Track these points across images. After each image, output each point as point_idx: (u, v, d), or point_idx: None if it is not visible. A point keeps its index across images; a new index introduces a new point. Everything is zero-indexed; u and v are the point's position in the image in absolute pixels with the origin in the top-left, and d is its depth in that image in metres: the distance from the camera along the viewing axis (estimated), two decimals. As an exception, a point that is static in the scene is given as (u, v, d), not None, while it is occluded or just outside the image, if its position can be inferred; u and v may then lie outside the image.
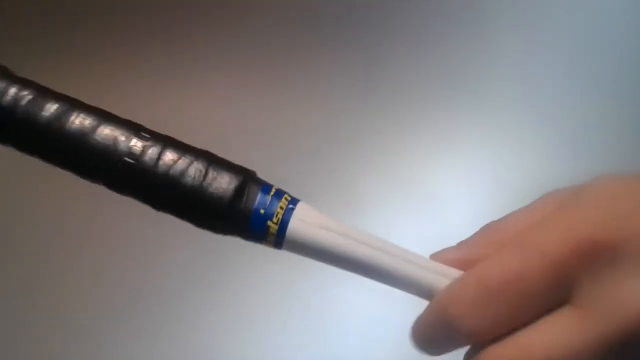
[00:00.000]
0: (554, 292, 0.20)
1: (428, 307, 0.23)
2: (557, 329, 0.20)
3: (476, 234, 0.24)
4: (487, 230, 0.24)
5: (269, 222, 0.29)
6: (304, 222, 0.29)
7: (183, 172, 0.28)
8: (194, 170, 0.28)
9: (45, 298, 0.78)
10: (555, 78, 0.94)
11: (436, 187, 0.85)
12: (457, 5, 1.02)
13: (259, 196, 0.28)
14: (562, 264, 0.20)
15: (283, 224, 0.29)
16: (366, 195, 0.85)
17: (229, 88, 0.94)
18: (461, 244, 0.24)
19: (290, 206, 0.29)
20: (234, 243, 0.86)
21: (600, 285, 0.19)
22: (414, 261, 0.26)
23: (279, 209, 0.28)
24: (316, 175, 0.83)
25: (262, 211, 0.29)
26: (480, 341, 0.21)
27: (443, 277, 0.24)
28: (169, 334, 0.76)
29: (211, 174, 0.28)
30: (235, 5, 0.99)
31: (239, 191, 0.28)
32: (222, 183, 0.28)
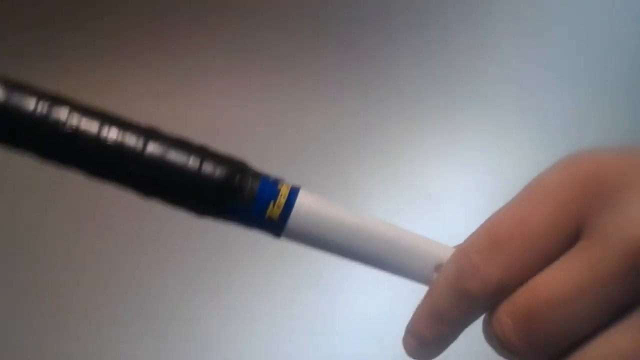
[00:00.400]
0: (564, 230, 0.20)
1: (438, 276, 0.23)
2: (567, 267, 0.20)
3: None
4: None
5: (270, 208, 0.28)
6: (305, 210, 0.28)
7: (180, 159, 0.28)
8: (192, 157, 0.28)
9: (50, 299, 0.78)
10: (555, 79, 0.94)
11: (436, 188, 0.85)
12: (458, 8, 1.02)
13: (261, 181, 0.28)
14: (567, 200, 0.20)
15: (285, 211, 0.28)
16: (367, 196, 0.85)
17: (230, 90, 0.94)
18: None
19: (292, 192, 0.28)
20: (237, 246, 0.86)
21: (605, 217, 0.19)
22: (420, 251, 0.25)
23: (280, 197, 0.28)
24: (316, 176, 0.83)
25: (263, 196, 0.28)
26: (496, 293, 0.21)
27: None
28: (174, 336, 0.76)
29: (210, 161, 0.28)
30: (236, 7, 1.00)
31: (241, 176, 0.28)
32: (220, 169, 0.28)
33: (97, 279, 0.79)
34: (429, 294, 0.23)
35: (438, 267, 0.24)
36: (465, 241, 0.22)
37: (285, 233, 0.28)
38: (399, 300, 0.81)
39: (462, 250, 0.22)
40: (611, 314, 0.20)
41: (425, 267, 0.25)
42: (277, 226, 0.28)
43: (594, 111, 0.91)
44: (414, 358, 0.24)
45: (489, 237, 0.22)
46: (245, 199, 0.27)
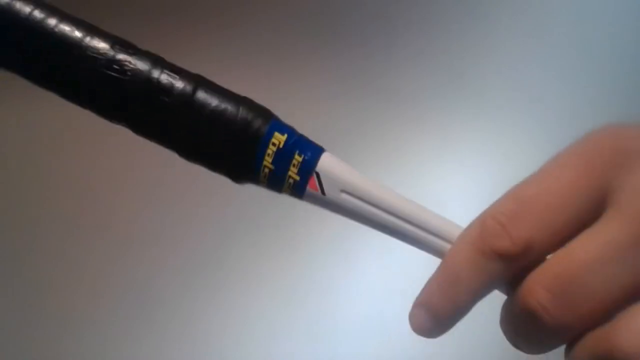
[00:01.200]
0: (593, 195, 0.20)
1: (461, 233, 0.22)
2: (594, 232, 0.19)
3: None
4: None
5: (286, 181, 0.27)
6: (328, 174, 0.27)
7: (221, 111, 0.27)
8: (229, 109, 0.27)
9: (50, 299, 0.78)
10: (553, 80, 0.94)
11: (435, 188, 0.85)
12: (457, 9, 1.02)
13: (280, 149, 0.27)
14: (595, 164, 0.20)
15: (301, 184, 0.27)
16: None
17: (231, 88, 0.94)
18: None
19: (309, 162, 0.27)
20: (237, 246, 0.86)
21: (633, 181, 0.20)
22: (440, 231, 0.26)
23: (292, 167, 0.27)
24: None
25: (287, 154, 0.27)
26: (523, 255, 0.20)
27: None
28: (174, 336, 0.76)
29: (241, 117, 0.27)
30: (236, 7, 1.00)
31: (262, 146, 0.26)
32: (256, 122, 0.27)
33: (97, 279, 0.79)
34: (447, 258, 0.22)
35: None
36: (489, 207, 0.22)
37: (306, 198, 0.27)
38: (399, 300, 0.81)
39: (488, 212, 0.21)
40: None
41: (438, 251, 0.25)
42: (296, 190, 0.27)
43: (592, 111, 0.91)
44: (421, 334, 0.23)
45: (516, 200, 0.21)
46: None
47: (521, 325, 0.21)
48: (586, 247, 0.20)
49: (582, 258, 0.19)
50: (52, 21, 0.26)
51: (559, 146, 0.89)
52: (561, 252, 0.20)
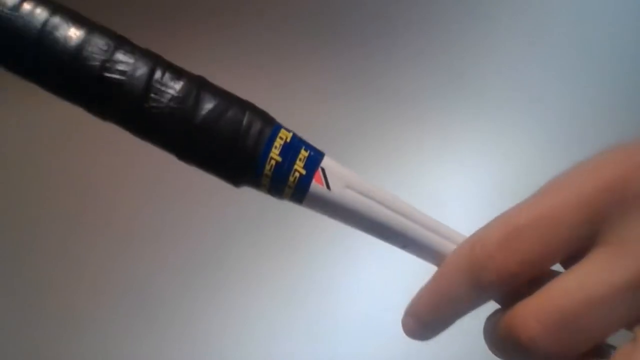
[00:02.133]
0: (583, 230, 0.20)
1: (450, 255, 0.22)
2: (591, 270, 0.19)
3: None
4: None
5: (292, 174, 0.26)
6: (333, 170, 0.27)
7: (225, 111, 0.26)
8: (234, 109, 0.26)
9: (50, 299, 0.78)
10: (553, 80, 0.94)
11: (434, 189, 0.85)
12: (457, 9, 1.02)
13: (288, 143, 0.27)
14: (591, 202, 0.20)
15: (306, 178, 0.26)
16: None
17: (232, 88, 0.94)
18: None
19: (315, 157, 0.26)
20: (237, 247, 0.86)
21: (630, 223, 0.19)
22: (440, 231, 0.25)
23: (299, 160, 0.26)
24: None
25: (286, 159, 0.26)
26: (507, 285, 0.20)
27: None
28: (174, 336, 0.76)
29: (247, 118, 0.26)
30: (238, 7, 1.00)
31: (270, 137, 0.26)
32: (256, 129, 0.26)
33: (97, 277, 0.79)
34: (436, 277, 0.23)
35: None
36: (481, 229, 0.22)
37: (306, 203, 0.27)
38: (399, 300, 0.81)
39: (477, 238, 0.21)
40: (638, 317, 0.20)
41: (441, 248, 0.25)
42: (296, 195, 0.26)
43: (592, 111, 0.91)
44: (412, 338, 0.24)
45: (507, 227, 0.21)
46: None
47: (506, 349, 0.21)
48: (582, 284, 0.20)
49: (577, 296, 0.19)
50: (43, 13, 0.25)
51: (559, 146, 0.89)
52: (555, 285, 0.20)
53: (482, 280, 0.20)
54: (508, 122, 0.91)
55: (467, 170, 0.87)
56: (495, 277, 0.20)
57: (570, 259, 0.21)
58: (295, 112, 0.92)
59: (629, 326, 0.20)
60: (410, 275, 0.75)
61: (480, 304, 0.22)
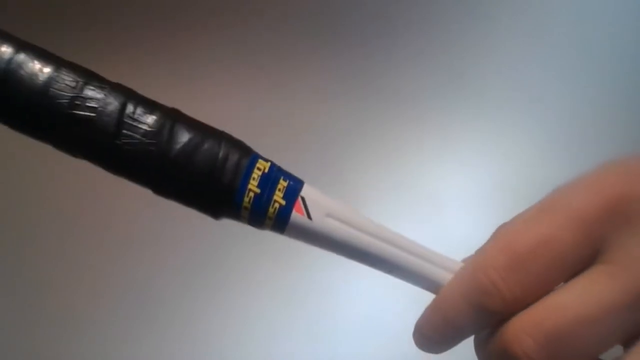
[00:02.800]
0: (585, 250, 0.20)
1: (452, 281, 0.22)
2: (588, 288, 0.20)
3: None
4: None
5: (271, 205, 0.26)
6: (313, 198, 0.26)
7: (200, 143, 0.25)
8: (210, 141, 0.25)
9: (50, 299, 0.78)
10: (552, 80, 0.94)
11: (434, 189, 0.85)
12: (457, 9, 1.02)
13: (266, 174, 0.26)
14: (591, 222, 0.20)
15: (286, 208, 0.26)
16: (366, 196, 0.85)
17: (232, 90, 0.94)
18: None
19: (294, 187, 0.26)
20: (237, 247, 0.86)
21: (628, 242, 0.20)
22: (423, 255, 0.25)
23: (278, 191, 0.26)
24: (315, 176, 0.83)
25: (264, 191, 0.26)
26: (511, 310, 0.20)
27: (451, 273, 0.24)
28: (174, 336, 0.76)
29: (223, 150, 0.26)
30: (237, 8, 1.00)
31: (247, 169, 0.26)
32: (233, 161, 0.26)
33: (97, 278, 0.79)
34: (438, 302, 0.23)
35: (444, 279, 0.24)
36: (482, 254, 0.21)
37: (287, 232, 0.26)
38: (398, 300, 0.81)
39: (480, 265, 0.21)
40: (634, 334, 0.20)
41: (430, 283, 0.25)
42: (277, 226, 0.26)
43: (592, 111, 0.91)
44: (423, 351, 0.24)
45: (509, 254, 0.21)
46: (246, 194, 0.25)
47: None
48: (577, 303, 0.20)
49: (572, 314, 0.20)
50: (8, 51, 0.24)
51: (559, 146, 0.89)
52: (551, 301, 0.20)
53: (487, 307, 0.21)
54: (508, 122, 0.91)
55: (467, 170, 0.87)
56: (501, 304, 0.20)
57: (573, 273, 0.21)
58: (295, 112, 0.92)
59: (623, 343, 0.20)
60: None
61: (484, 328, 0.22)
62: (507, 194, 0.83)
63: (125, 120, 0.25)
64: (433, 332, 0.23)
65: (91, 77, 0.25)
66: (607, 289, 0.19)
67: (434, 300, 0.23)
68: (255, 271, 0.80)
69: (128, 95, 0.25)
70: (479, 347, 0.23)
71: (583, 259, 0.20)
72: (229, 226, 0.84)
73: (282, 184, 0.26)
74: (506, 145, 0.89)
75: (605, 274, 0.20)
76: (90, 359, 0.75)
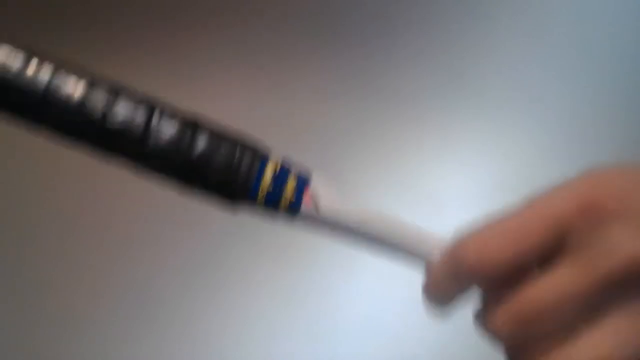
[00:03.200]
0: (552, 240, 0.24)
1: (440, 254, 0.26)
2: (557, 278, 0.23)
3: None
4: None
5: (282, 201, 0.29)
6: (316, 200, 0.29)
7: (215, 154, 0.29)
8: (224, 151, 0.29)
9: (51, 300, 0.78)
10: (552, 80, 0.94)
11: (434, 189, 0.85)
12: (457, 9, 1.02)
13: (277, 174, 0.30)
14: (564, 219, 0.24)
15: (296, 203, 0.29)
16: (365, 196, 0.85)
17: (233, 89, 0.94)
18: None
19: (302, 184, 0.30)
20: (238, 247, 0.86)
21: (593, 239, 0.23)
22: (419, 236, 0.28)
23: (287, 189, 0.29)
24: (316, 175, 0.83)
25: (275, 183, 0.29)
26: (483, 279, 0.25)
27: (438, 249, 0.28)
28: (174, 336, 0.76)
29: (238, 153, 0.29)
30: (238, 8, 1.00)
31: (259, 170, 0.29)
32: (247, 162, 0.29)
33: (97, 279, 0.79)
34: (427, 272, 0.27)
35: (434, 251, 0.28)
36: (467, 233, 0.25)
37: (300, 217, 0.29)
38: (398, 300, 0.81)
39: (460, 242, 0.25)
40: (590, 317, 0.24)
41: (422, 252, 0.28)
42: (290, 213, 0.29)
43: (592, 111, 0.91)
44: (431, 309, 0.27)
45: (489, 229, 0.25)
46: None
47: (489, 337, 0.25)
48: (542, 289, 0.24)
49: (536, 298, 0.24)
50: (45, 76, 0.27)
51: (559, 146, 0.89)
52: (522, 289, 0.24)
53: (459, 275, 0.25)
54: (508, 122, 0.91)
55: (467, 170, 0.87)
56: (469, 273, 0.24)
57: (546, 263, 0.24)
58: (295, 112, 0.92)
59: (574, 328, 0.24)
60: (409, 276, 0.75)
61: (464, 291, 0.26)
62: (507, 194, 0.83)
63: (152, 130, 0.28)
64: (429, 293, 0.26)
65: (120, 92, 0.28)
66: (571, 281, 0.23)
67: (425, 269, 0.27)
68: (255, 271, 0.81)
69: (153, 105, 0.29)
70: (475, 319, 0.26)
71: (553, 245, 0.24)
72: (229, 227, 0.85)
73: (292, 181, 0.29)
74: (506, 145, 0.89)
75: (571, 267, 0.23)
76: (90, 359, 0.75)
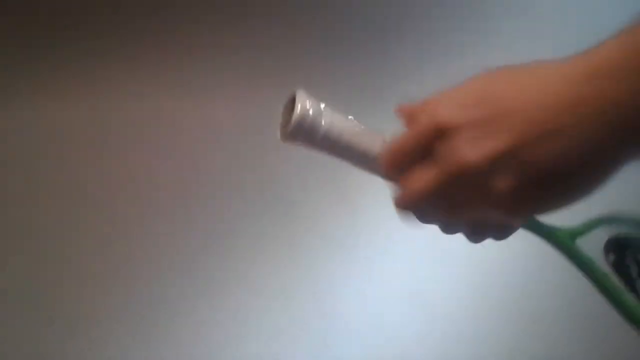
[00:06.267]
0: (422, 147, 0.36)
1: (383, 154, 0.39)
2: (422, 175, 0.36)
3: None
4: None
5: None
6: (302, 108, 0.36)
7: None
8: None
9: (51, 300, 0.78)
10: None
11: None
12: (457, 9, 1.02)
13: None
14: (427, 133, 0.35)
15: None
16: (364, 196, 0.85)
17: (232, 89, 0.94)
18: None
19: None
20: (238, 247, 0.86)
21: (446, 148, 0.34)
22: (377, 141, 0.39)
23: None
24: (315, 176, 0.83)
25: None
26: (391, 173, 0.38)
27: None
28: (174, 336, 0.76)
29: None
30: (237, 8, 1.00)
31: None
32: None
33: (98, 279, 0.80)
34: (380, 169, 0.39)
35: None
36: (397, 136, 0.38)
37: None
38: (399, 301, 0.81)
39: (387, 146, 0.39)
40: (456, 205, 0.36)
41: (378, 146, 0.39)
42: None
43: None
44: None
45: (395, 144, 0.37)
46: None
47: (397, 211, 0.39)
48: (409, 182, 0.36)
49: (406, 186, 0.36)
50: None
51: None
52: (407, 183, 0.36)
53: (386, 169, 0.38)
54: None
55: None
56: (386, 169, 0.38)
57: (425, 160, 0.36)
58: (295, 112, 0.92)
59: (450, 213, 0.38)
60: (410, 277, 0.75)
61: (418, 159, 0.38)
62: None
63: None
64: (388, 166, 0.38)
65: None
66: (429, 177, 0.35)
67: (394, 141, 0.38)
68: (256, 271, 0.81)
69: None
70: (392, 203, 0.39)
71: (423, 152, 0.35)
72: (229, 227, 0.84)
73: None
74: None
75: (430, 168, 0.35)
76: (90, 358, 0.75)
